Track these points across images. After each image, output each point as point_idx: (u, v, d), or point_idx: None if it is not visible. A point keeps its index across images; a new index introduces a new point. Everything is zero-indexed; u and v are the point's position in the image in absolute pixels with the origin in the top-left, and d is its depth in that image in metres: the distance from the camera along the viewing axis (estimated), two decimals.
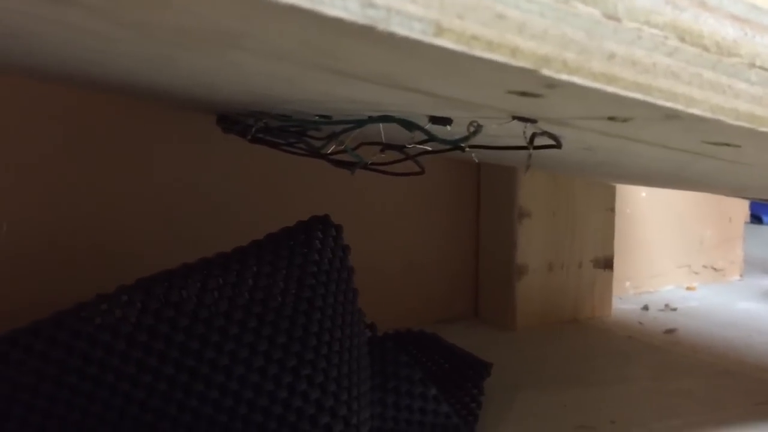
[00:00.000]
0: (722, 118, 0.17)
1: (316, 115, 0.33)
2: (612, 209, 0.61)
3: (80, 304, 0.28)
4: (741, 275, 0.80)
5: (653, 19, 0.16)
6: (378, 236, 0.57)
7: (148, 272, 0.30)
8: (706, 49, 0.17)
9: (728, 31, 0.17)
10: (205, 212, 0.50)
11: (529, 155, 0.24)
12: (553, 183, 0.58)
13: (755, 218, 1.28)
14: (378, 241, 0.57)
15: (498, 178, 0.58)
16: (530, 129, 0.24)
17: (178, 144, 0.50)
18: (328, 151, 0.34)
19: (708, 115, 0.17)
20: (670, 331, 0.58)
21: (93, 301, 0.28)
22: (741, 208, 0.79)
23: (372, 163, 0.34)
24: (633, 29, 0.16)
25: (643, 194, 0.71)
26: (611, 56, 0.16)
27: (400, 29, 0.13)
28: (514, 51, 0.14)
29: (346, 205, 0.55)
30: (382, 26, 0.13)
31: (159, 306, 0.28)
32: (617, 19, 0.16)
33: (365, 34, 0.13)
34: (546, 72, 0.15)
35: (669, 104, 0.16)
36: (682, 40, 0.17)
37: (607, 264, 0.61)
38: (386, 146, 0.32)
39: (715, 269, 0.77)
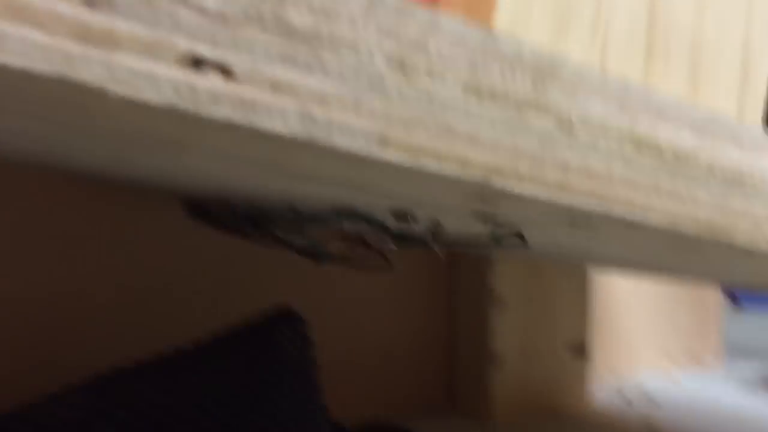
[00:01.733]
0: (682, 228, 0.17)
1: (283, 207, 0.32)
2: (587, 295, 0.61)
3: (23, 406, 0.27)
4: (720, 361, 0.79)
5: (609, 128, 0.16)
6: (346, 325, 0.56)
7: (103, 362, 0.29)
8: (663, 158, 0.17)
9: (686, 141, 0.17)
10: (164, 301, 0.49)
11: (494, 252, 0.23)
12: (528, 269, 0.58)
13: (730, 297, 1.28)
14: (347, 330, 0.56)
15: (471, 264, 0.58)
16: (494, 227, 0.24)
17: (140, 231, 0.49)
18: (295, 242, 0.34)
19: (667, 225, 0.17)
20: (651, 426, 0.57)
21: (38, 402, 0.27)
22: (717, 292, 0.79)
23: (339, 256, 0.33)
24: (588, 139, 0.16)
25: (619, 279, 0.70)
26: (566, 167, 0.15)
27: (343, 142, 0.13)
28: (464, 163, 0.14)
29: (312, 293, 0.54)
30: (323, 140, 0.12)
31: (107, 408, 0.27)
32: (571, 130, 0.15)
33: (307, 147, 0.13)
34: (498, 183, 0.14)
35: (627, 214, 0.16)
36: (639, 149, 0.16)
37: (584, 351, 0.60)
38: (352, 240, 0.31)
39: (694, 355, 0.76)
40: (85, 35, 0.11)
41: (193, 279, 0.50)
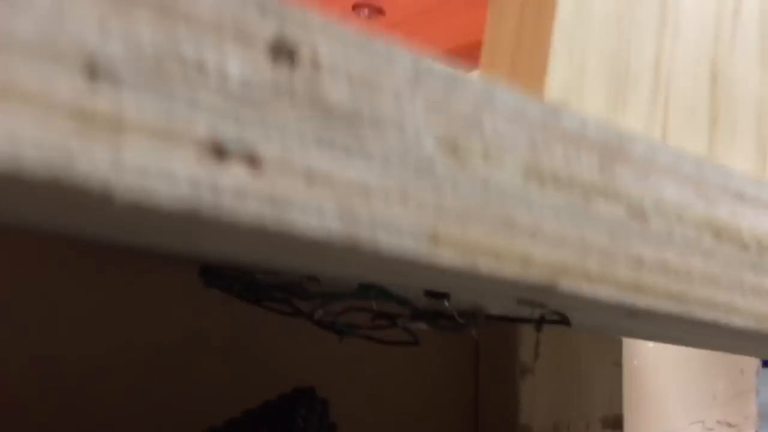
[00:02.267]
0: None
1: (306, 279, 0.31)
2: (619, 363, 0.58)
3: None
4: (756, 431, 0.75)
5: (685, 215, 0.14)
6: (367, 398, 0.53)
7: None
8: (745, 247, 0.15)
9: None
10: (176, 375, 0.47)
11: (537, 341, 0.21)
12: (556, 336, 0.55)
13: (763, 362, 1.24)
14: (367, 403, 0.53)
15: (497, 332, 0.55)
16: (537, 311, 0.22)
17: (150, 299, 0.47)
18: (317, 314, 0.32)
19: (752, 325, 0.14)
20: None
21: None
22: (752, 358, 0.75)
23: (364, 328, 0.31)
24: (663, 229, 0.14)
25: (651, 345, 0.67)
26: (639, 262, 0.13)
27: (388, 243, 0.11)
28: (526, 261, 0.12)
29: (331, 366, 0.52)
30: (366, 241, 0.10)
31: None
32: (644, 218, 0.13)
33: (347, 251, 0.11)
34: (565, 285, 0.12)
35: (708, 315, 0.14)
36: (719, 239, 0.14)
37: (617, 423, 0.57)
38: (378, 315, 0.29)
39: (729, 425, 0.72)
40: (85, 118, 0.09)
41: (206, 351, 0.48)
